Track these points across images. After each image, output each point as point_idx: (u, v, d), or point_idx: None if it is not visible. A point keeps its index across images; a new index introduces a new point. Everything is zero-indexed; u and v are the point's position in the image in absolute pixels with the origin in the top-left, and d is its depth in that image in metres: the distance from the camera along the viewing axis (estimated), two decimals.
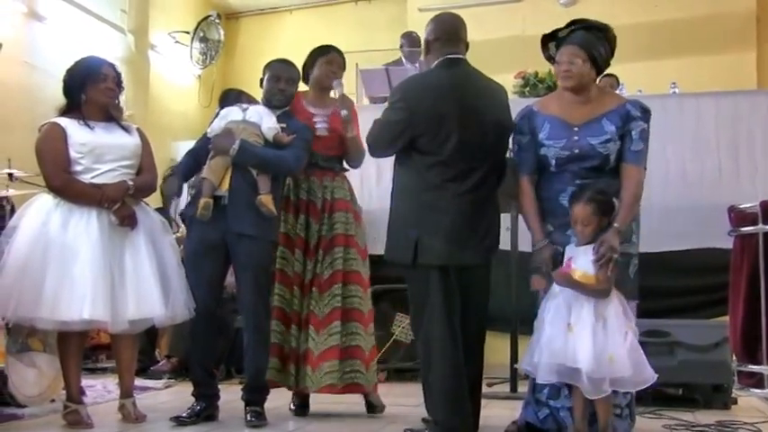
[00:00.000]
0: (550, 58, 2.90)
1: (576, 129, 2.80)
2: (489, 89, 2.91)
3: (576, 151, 2.78)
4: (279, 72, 3.39)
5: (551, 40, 2.90)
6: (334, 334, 3.36)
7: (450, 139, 2.75)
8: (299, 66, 3.58)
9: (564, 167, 2.82)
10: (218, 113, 3.40)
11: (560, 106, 2.87)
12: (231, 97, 3.39)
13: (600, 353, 2.55)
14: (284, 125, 3.30)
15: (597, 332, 2.58)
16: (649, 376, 2.64)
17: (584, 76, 2.78)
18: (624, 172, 2.76)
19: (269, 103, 3.38)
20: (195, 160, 3.36)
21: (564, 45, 2.82)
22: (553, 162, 2.83)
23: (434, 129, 2.75)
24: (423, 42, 2.93)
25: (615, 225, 2.66)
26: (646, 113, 2.81)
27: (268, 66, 3.46)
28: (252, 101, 3.38)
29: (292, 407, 3.55)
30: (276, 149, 3.26)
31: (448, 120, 2.75)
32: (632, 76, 5.32)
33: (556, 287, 2.71)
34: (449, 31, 2.87)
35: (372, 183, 5.19)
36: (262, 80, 3.46)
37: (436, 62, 2.86)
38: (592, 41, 2.79)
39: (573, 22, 2.88)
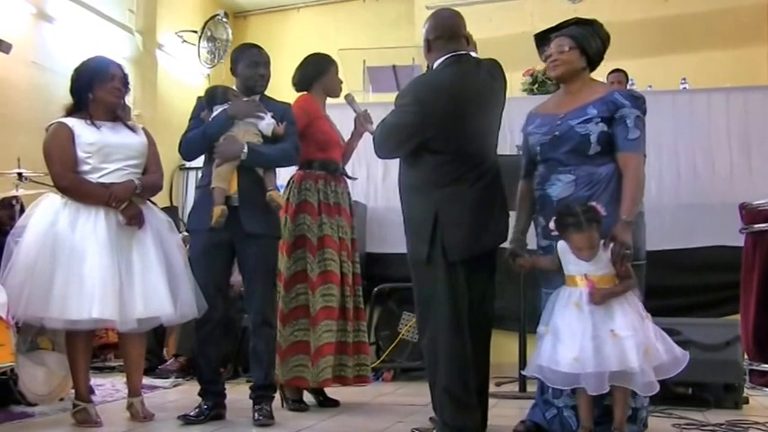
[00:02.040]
0: (546, 58, 2.92)
1: (561, 116, 2.82)
2: (493, 77, 2.87)
3: (557, 134, 2.79)
4: (257, 58, 3.36)
5: (547, 44, 2.91)
6: (362, 330, 3.71)
7: (462, 137, 2.75)
8: (293, 69, 3.68)
9: (547, 155, 2.83)
10: (202, 108, 3.34)
11: (554, 103, 2.94)
12: (218, 94, 3.35)
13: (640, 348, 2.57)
14: (272, 113, 3.30)
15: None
16: (681, 355, 2.64)
17: (572, 62, 2.81)
18: (622, 161, 2.73)
19: (250, 89, 3.35)
20: (211, 143, 3.25)
21: (553, 40, 2.86)
22: (538, 149, 2.86)
23: (447, 129, 2.74)
24: (423, 40, 2.90)
25: (623, 218, 2.64)
26: (637, 100, 2.79)
27: (240, 52, 3.42)
28: (239, 95, 3.35)
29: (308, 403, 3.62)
30: (274, 143, 3.28)
31: (460, 120, 2.74)
32: (642, 71, 5.27)
33: (566, 297, 2.67)
34: (450, 27, 2.86)
35: (379, 181, 5.20)
36: (232, 68, 3.41)
37: (441, 60, 2.83)
38: (579, 32, 2.82)
39: (564, 22, 2.90)
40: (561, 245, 2.71)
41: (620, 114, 2.74)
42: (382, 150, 2.92)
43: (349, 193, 3.75)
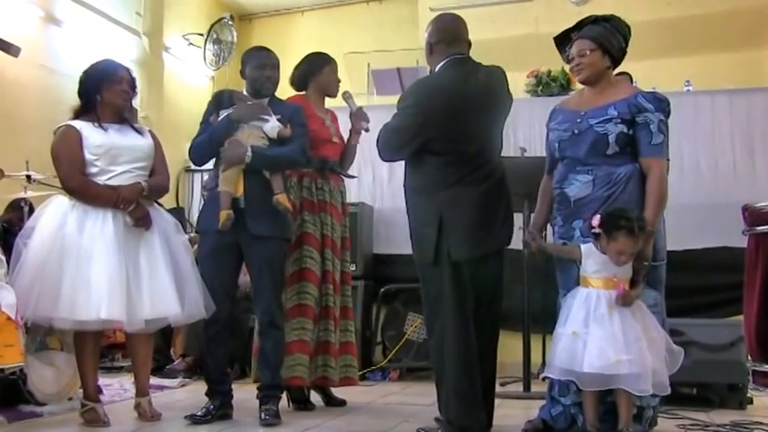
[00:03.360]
0: (569, 60, 2.91)
1: (582, 113, 2.82)
2: (492, 79, 2.87)
3: (576, 131, 2.80)
4: (264, 60, 3.39)
5: (567, 43, 2.92)
6: (348, 330, 3.67)
7: (463, 138, 2.77)
8: (291, 70, 3.70)
9: (566, 152, 2.84)
10: (211, 113, 3.36)
11: (578, 99, 2.95)
12: (224, 98, 3.37)
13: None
14: (279, 116, 3.31)
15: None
16: (678, 351, 2.70)
17: (595, 65, 2.81)
18: (645, 166, 2.74)
19: (258, 92, 3.37)
20: (218, 147, 3.26)
21: (574, 42, 2.86)
22: (556, 146, 2.87)
23: (448, 131, 2.76)
24: (425, 44, 2.92)
25: (648, 228, 2.65)
26: (661, 103, 2.79)
27: (248, 55, 3.45)
28: (243, 98, 3.37)
29: (292, 404, 3.61)
30: (281, 145, 3.29)
31: (461, 120, 2.76)
32: (646, 74, 5.29)
33: (584, 298, 2.68)
34: (452, 31, 2.88)
35: (384, 182, 5.23)
36: (242, 72, 3.44)
37: (442, 63, 2.86)
38: (599, 31, 2.82)
39: (581, 21, 2.90)
40: (587, 246, 2.71)
41: (644, 118, 2.73)
42: (386, 153, 2.94)
43: (342, 192, 3.74)
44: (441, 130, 2.76)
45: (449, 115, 2.75)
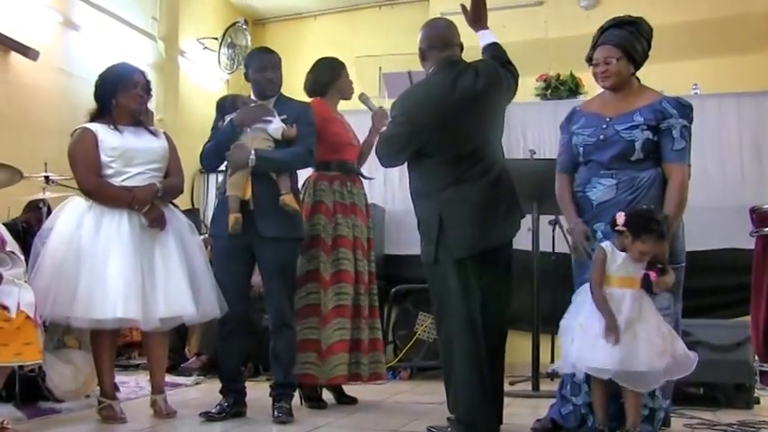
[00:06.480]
0: (590, 60, 2.93)
1: (607, 119, 2.84)
2: (482, 76, 2.84)
3: (602, 137, 2.81)
4: (264, 62, 3.40)
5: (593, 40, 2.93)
6: (376, 327, 3.75)
7: (456, 141, 2.80)
8: (304, 75, 3.75)
9: (590, 157, 2.85)
10: (218, 117, 3.41)
11: (600, 103, 2.95)
12: (228, 104, 3.41)
13: None
14: (285, 116, 3.33)
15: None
16: (692, 355, 2.73)
17: (621, 73, 2.83)
18: (667, 172, 2.77)
19: (262, 94, 3.39)
20: (224, 152, 3.29)
21: (599, 46, 2.87)
22: (581, 150, 2.88)
23: (439, 136, 2.79)
24: (418, 50, 2.96)
25: None
26: (684, 108, 2.80)
27: (250, 58, 3.49)
28: (247, 101, 3.39)
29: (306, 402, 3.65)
30: (287, 145, 3.32)
31: (452, 125, 2.78)
32: (653, 77, 5.28)
33: (620, 294, 2.69)
34: (442, 37, 2.91)
35: (396, 184, 5.27)
36: (245, 74, 3.47)
37: (432, 69, 2.90)
38: (625, 37, 2.83)
39: (613, 21, 2.91)
40: (610, 248, 2.70)
41: (667, 124, 2.76)
42: (384, 160, 3.00)
43: (365, 194, 3.81)
44: (431, 136, 2.80)
45: (437, 122, 2.78)
